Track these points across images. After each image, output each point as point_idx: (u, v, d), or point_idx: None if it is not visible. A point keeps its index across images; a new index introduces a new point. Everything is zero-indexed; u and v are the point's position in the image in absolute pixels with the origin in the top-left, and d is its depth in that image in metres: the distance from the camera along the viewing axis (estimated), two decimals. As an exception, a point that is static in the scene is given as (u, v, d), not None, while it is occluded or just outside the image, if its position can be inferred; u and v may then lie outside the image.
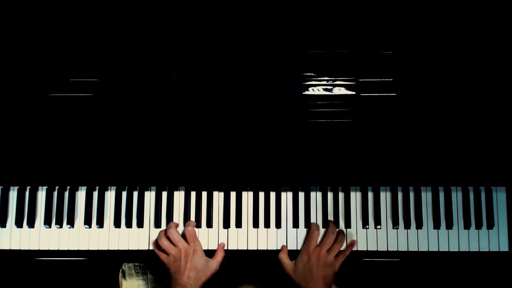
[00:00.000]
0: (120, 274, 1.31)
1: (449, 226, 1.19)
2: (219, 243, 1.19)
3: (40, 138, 1.17)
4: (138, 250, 1.19)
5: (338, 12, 1.19)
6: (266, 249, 1.19)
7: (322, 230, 1.19)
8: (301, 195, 1.21)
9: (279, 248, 1.19)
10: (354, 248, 1.18)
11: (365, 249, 1.19)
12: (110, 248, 1.19)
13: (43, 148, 1.17)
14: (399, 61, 1.17)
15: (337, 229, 1.18)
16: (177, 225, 1.18)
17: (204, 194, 1.21)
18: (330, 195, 1.21)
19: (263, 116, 1.17)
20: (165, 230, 1.16)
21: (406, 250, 1.19)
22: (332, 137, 1.17)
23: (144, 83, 1.17)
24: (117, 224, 1.19)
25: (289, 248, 1.19)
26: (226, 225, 1.19)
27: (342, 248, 1.16)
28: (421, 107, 1.17)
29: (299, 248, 1.18)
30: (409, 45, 1.18)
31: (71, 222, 1.19)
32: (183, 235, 1.15)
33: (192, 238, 1.14)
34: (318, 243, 1.16)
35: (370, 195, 1.21)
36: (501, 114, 1.17)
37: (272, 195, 1.21)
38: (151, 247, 1.19)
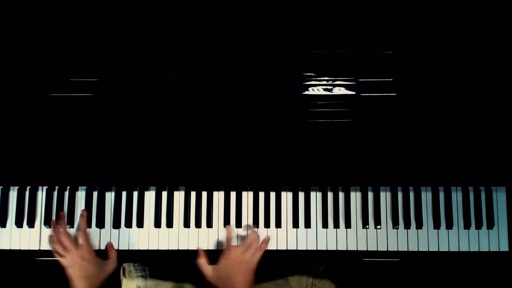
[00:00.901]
0: (121, 272, 1.31)
1: (449, 226, 1.19)
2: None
3: (40, 138, 1.17)
4: (138, 250, 1.19)
5: (338, 12, 1.19)
6: (265, 249, 1.19)
7: (323, 230, 1.19)
8: (301, 195, 1.21)
9: (279, 248, 1.19)
10: (304, 247, 1.17)
11: (365, 249, 1.19)
12: (110, 248, 1.19)
13: (43, 148, 1.17)
14: (399, 61, 1.17)
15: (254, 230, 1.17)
16: (65, 227, 1.15)
17: (204, 194, 1.21)
18: (330, 195, 1.21)
19: (263, 116, 1.17)
20: (55, 232, 1.14)
21: (406, 250, 1.19)
22: (332, 137, 1.17)
23: (144, 83, 1.17)
24: (116, 224, 1.19)
25: (289, 248, 1.19)
26: (226, 225, 1.19)
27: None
28: (421, 107, 1.17)
29: (299, 248, 1.18)
30: (409, 45, 1.18)
31: (71, 222, 1.19)
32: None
33: (82, 243, 1.12)
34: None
35: (370, 195, 1.21)
36: (501, 114, 1.17)
37: (272, 195, 1.21)
38: (150, 247, 1.19)
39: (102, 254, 1.17)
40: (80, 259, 1.10)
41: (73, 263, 1.10)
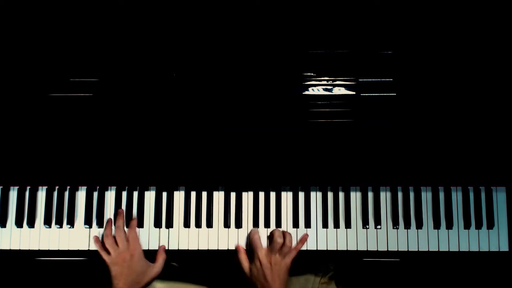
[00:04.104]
0: None
1: (449, 226, 1.19)
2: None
3: (40, 138, 1.17)
4: (138, 250, 1.19)
5: (338, 12, 1.19)
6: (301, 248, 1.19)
7: (323, 230, 1.19)
8: (301, 195, 1.21)
9: (279, 248, 1.19)
10: (304, 247, 1.17)
11: (365, 249, 1.19)
12: (110, 248, 1.19)
13: (43, 148, 1.17)
14: (399, 61, 1.17)
15: (283, 231, 1.16)
16: (123, 224, 1.16)
17: (204, 194, 1.21)
18: (330, 195, 1.21)
19: (263, 116, 1.17)
20: (110, 229, 1.15)
21: (406, 250, 1.19)
22: (332, 137, 1.17)
23: (144, 83, 1.17)
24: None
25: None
26: (226, 225, 1.19)
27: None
28: (421, 107, 1.17)
29: (301, 248, 1.18)
30: (409, 45, 1.18)
31: (71, 222, 1.19)
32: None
33: (132, 241, 1.14)
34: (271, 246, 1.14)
35: (370, 195, 1.21)
36: (501, 114, 1.17)
37: (272, 195, 1.21)
38: (151, 247, 1.19)
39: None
40: (130, 257, 1.11)
41: (119, 260, 1.11)
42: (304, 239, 1.17)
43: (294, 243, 1.16)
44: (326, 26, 1.19)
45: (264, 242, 1.17)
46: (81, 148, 1.17)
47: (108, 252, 1.13)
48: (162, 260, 1.16)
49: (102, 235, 1.16)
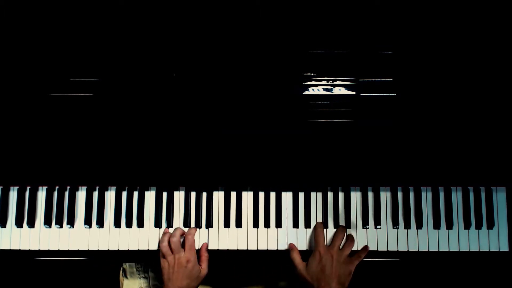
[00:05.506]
0: (121, 273, 1.31)
1: (449, 226, 1.19)
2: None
3: (40, 138, 1.17)
4: (138, 250, 1.19)
5: (338, 12, 1.19)
6: (266, 249, 1.19)
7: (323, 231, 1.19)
8: (301, 195, 1.21)
9: (279, 248, 1.19)
10: (305, 248, 1.17)
11: (365, 249, 1.19)
12: (110, 248, 1.19)
13: (43, 148, 1.17)
14: (399, 61, 1.17)
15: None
16: (182, 233, 1.16)
17: (204, 194, 1.21)
18: (330, 195, 1.21)
19: (263, 116, 1.17)
20: (170, 233, 1.16)
21: (406, 250, 1.19)
22: (332, 137, 1.17)
23: (144, 83, 1.17)
24: (117, 224, 1.19)
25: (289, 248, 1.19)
26: (226, 225, 1.19)
27: (354, 249, 1.16)
28: (421, 107, 1.17)
29: (299, 248, 1.18)
30: (409, 45, 1.18)
31: (71, 222, 1.19)
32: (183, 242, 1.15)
33: (189, 248, 1.13)
34: (328, 242, 1.16)
35: (370, 195, 1.21)
36: (501, 114, 1.17)
37: (272, 195, 1.21)
38: (151, 247, 1.19)
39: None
40: (186, 263, 1.11)
41: (179, 263, 1.11)
42: (366, 249, 1.16)
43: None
44: (326, 26, 1.19)
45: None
46: (81, 148, 1.17)
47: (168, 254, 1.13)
48: (207, 259, 1.16)
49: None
